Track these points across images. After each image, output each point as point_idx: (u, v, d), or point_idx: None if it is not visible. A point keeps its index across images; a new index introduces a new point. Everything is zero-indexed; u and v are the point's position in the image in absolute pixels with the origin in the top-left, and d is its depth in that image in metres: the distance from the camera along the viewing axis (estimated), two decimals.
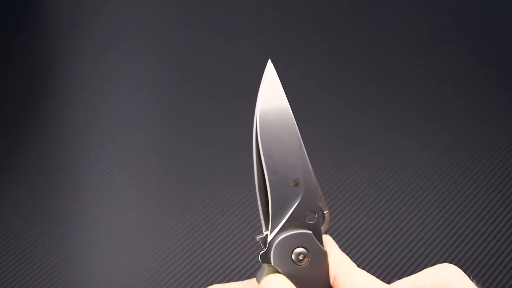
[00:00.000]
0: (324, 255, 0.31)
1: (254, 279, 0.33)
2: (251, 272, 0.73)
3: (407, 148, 0.86)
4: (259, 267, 0.32)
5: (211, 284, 0.73)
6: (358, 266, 0.71)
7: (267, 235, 0.31)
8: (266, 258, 0.30)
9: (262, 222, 0.32)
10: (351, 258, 0.74)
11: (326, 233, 0.32)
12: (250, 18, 1.07)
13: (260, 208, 0.32)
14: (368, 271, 0.72)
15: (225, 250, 0.76)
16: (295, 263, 0.31)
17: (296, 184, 0.31)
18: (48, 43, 1.05)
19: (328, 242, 0.32)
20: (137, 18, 1.09)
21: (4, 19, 1.07)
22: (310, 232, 0.31)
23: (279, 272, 0.30)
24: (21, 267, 0.74)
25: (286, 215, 0.31)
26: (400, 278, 0.70)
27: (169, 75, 0.98)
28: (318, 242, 0.31)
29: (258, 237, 0.31)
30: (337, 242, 0.70)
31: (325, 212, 0.32)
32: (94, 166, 0.85)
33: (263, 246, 0.31)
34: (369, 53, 1.00)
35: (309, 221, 0.32)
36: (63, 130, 0.90)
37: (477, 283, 0.32)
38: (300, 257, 0.31)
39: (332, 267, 0.31)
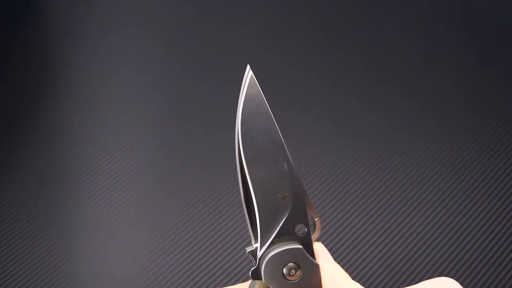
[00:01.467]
0: (316, 268, 0.30)
1: (248, 282, 0.33)
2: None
3: (407, 148, 0.86)
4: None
5: (211, 284, 0.73)
6: (356, 270, 0.71)
7: (256, 247, 0.30)
8: (257, 275, 0.29)
9: (251, 233, 0.30)
10: (347, 261, 0.75)
11: (318, 239, 0.31)
12: (255, 14, 1.07)
13: (247, 220, 0.31)
14: (365, 275, 0.72)
15: (225, 250, 0.76)
16: (287, 279, 0.30)
17: (284, 197, 0.30)
18: (48, 44, 1.06)
19: (320, 252, 0.31)
20: (137, 24, 1.09)
21: (4, 19, 1.08)
22: (301, 247, 0.30)
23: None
24: (21, 267, 0.75)
25: (275, 230, 0.30)
26: (396, 284, 0.70)
27: (169, 76, 0.98)
28: (309, 256, 0.30)
29: (248, 249, 0.30)
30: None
31: (315, 219, 0.31)
32: (94, 167, 0.85)
33: (253, 260, 0.30)
34: (372, 50, 1.00)
35: (299, 234, 0.30)
36: (62, 131, 0.90)
37: None
38: (292, 273, 0.30)
39: (325, 281, 0.30)
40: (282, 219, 0.30)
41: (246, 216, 0.31)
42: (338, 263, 0.73)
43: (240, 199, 0.32)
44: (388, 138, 0.87)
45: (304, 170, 0.83)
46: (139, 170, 0.84)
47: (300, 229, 0.30)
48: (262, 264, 0.29)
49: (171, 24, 1.07)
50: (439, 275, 0.72)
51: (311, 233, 0.31)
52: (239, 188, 0.32)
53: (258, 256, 0.29)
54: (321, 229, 0.77)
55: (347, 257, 0.74)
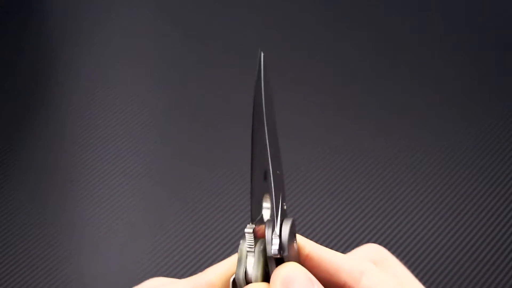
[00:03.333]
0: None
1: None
2: None
3: (407, 148, 0.86)
4: (236, 262, 0.30)
5: None
6: None
7: (260, 223, 0.30)
8: (282, 250, 0.30)
9: (253, 214, 0.31)
10: None
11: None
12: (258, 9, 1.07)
13: (252, 201, 0.31)
14: None
15: (225, 250, 0.76)
16: (293, 249, 0.30)
17: (280, 174, 0.31)
18: (48, 44, 1.06)
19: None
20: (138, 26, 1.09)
21: (5, 19, 1.07)
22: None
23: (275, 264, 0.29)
24: (21, 267, 0.75)
25: (279, 206, 0.31)
26: None
27: (170, 75, 0.98)
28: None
29: (249, 229, 0.30)
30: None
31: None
32: (94, 166, 0.85)
33: (252, 241, 0.30)
34: (374, 48, 1.00)
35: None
36: (63, 131, 0.90)
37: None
38: (295, 242, 0.30)
39: (303, 246, 0.31)
40: (279, 196, 0.32)
41: (252, 191, 0.31)
42: None
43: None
44: (388, 138, 0.87)
45: (305, 169, 0.83)
46: (139, 170, 0.84)
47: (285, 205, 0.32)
48: (284, 237, 0.29)
49: (172, 22, 1.07)
50: (440, 274, 0.72)
51: None
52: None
53: (278, 231, 0.30)
54: (321, 229, 0.77)
55: None
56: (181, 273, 0.74)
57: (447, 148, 0.85)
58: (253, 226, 0.30)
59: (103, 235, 0.78)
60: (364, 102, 0.92)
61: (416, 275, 0.72)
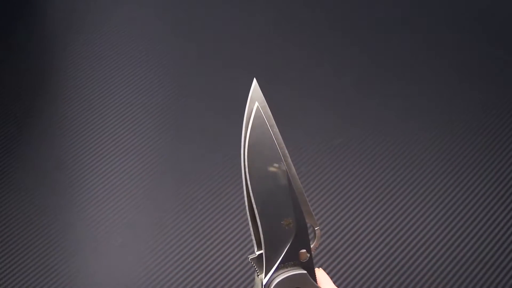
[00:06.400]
0: None
1: None
2: (250, 272, 0.73)
3: (407, 148, 0.86)
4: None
5: (211, 284, 0.73)
6: (356, 269, 0.71)
7: (260, 255, 0.30)
8: None
9: (254, 242, 0.30)
10: (348, 260, 0.74)
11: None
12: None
13: (252, 231, 0.30)
14: (365, 274, 0.72)
15: (225, 250, 0.76)
16: None
17: (288, 224, 0.30)
18: (48, 43, 1.05)
19: (321, 278, 0.31)
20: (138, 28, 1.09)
21: (4, 19, 1.07)
22: (305, 272, 0.30)
23: None
24: (21, 267, 0.75)
25: (280, 256, 0.30)
26: (396, 284, 0.70)
27: (171, 74, 0.98)
28: (312, 280, 0.30)
29: (251, 257, 0.30)
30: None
31: (316, 228, 0.31)
32: (94, 166, 0.85)
33: (255, 267, 0.30)
34: (374, 48, 1.00)
35: (302, 260, 0.30)
36: (63, 130, 0.90)
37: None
38: None
39: None
40: (287, 246, 0.30)
41: (252, 230, 0.31)
42: (339, 262, 0.73)
43: (244, 206, 0.32)
44: (387, 138, 0.87)
45: (305, 170, 0.83)
46: (139, 170, 0.84)
47: (303, 253, 0.31)
48: None
49: (173, 21, 1.07)
50: (439, 275, 0.72)
51: (312, 242, 0.31)
52: (239, 191, 0.32)
53: (264, 283, 0.29)
54: (322, 229, 0.77)
55: (347, 257, 0.74)
56: (181, 273, 0.74)
57: (448, 147, 0.85)
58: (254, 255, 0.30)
59: (103, 235, 0.78)
60: (365, 102, 0.92)
61: (417, 275, 0.72)
